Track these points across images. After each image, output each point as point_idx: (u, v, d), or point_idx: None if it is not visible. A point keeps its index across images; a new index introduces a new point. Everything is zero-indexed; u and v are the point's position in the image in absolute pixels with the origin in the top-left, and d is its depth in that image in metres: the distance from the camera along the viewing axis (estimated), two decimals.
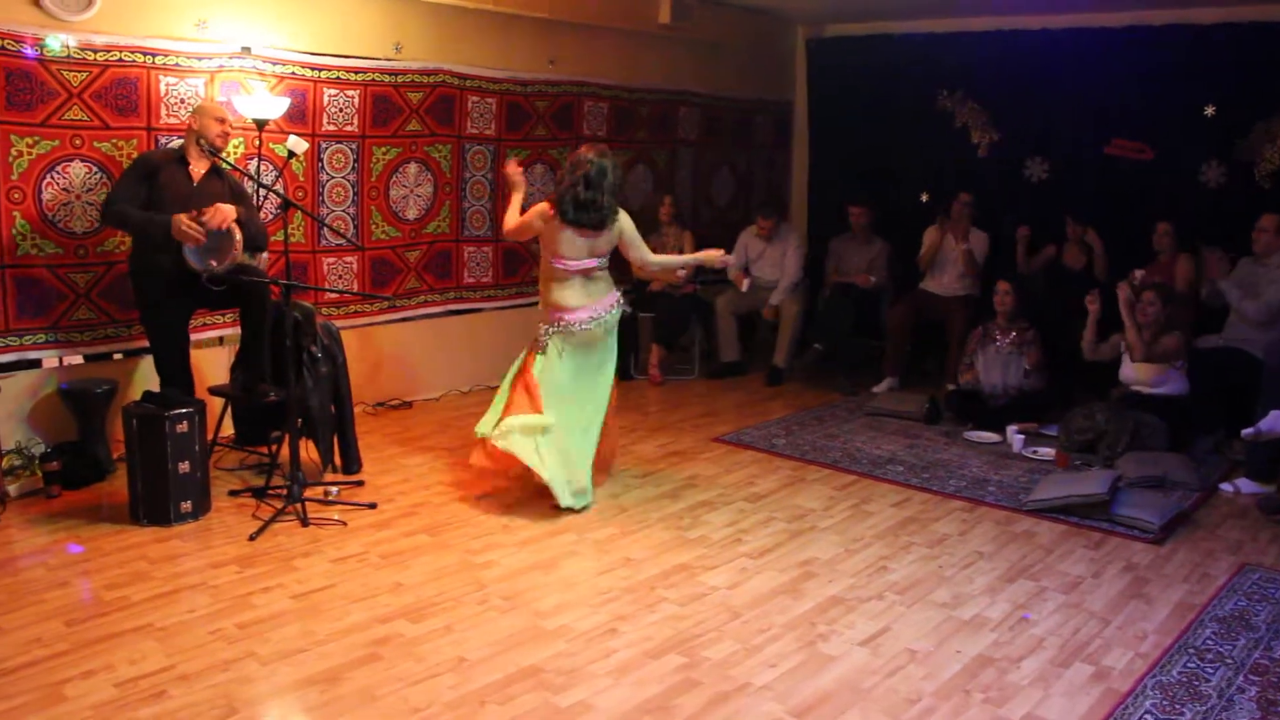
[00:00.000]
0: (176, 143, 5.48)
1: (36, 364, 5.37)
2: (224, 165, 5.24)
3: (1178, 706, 3.31)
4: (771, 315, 8.11)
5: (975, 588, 4.27)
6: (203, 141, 5.09)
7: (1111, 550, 4.71)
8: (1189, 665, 3.60)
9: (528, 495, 5.23)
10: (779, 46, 9.69)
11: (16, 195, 5.15)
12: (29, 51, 5.05)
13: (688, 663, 3.58)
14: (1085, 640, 3.80)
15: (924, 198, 8.66)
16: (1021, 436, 6.30)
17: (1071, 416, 6.25)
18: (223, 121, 5.16)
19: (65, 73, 5.20)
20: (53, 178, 5.26)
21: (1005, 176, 8.37)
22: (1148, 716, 3.25)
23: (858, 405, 7.39)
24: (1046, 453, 6.12)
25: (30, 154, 5.16)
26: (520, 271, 7.73)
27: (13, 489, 4.99)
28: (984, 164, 8.51)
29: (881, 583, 4.31)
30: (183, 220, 4.84)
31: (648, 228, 8.19)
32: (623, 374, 7.91)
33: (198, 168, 5.19)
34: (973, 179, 8.29)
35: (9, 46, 4.98)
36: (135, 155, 5.44)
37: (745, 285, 7.98)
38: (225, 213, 4.95)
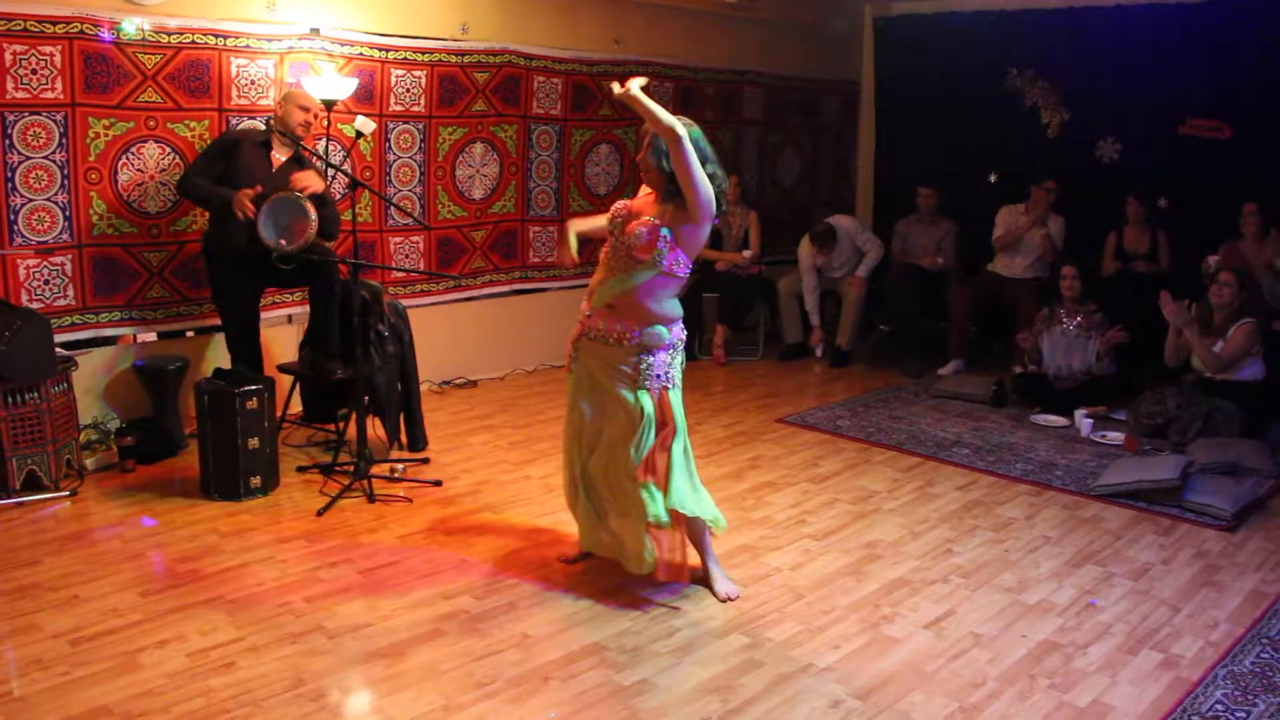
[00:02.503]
0: (249, 123, 5.56)
1: (112, 341, 5.50)
2: (309, 153, 5.29)
3: (1250, 697, 3.25)
4: (857, 287, 8.09)
5: (1041, 572, 4.21)
6: (273, 121, 5.16)
7: (1182, 537, 4.62)
8: (1263, 655, 3.53)
9: None
10: (846, 25, 9.57)
11: (94, 176, 5.26)
12: (105, 35, 5.15)
13: (750, 643, 3.58)
14: (1154, 627, 3.74)
15: (992, 178, 8.51)
16: (1090, 420, 6.20)
17: (1141, 401, 6.14)
18: (307, 110, 5.24)
19: (140, 55, 5.29)
20: (128, 159, 5.36)
21: (1076, 157, 8.19)
22: (1219, 707, 3.19)
23: (923, 387, 7.32)
24: (1115, 437, 6.01)
25: (107, 135, 5.27)
26: (584, 253, 7.72)
27: (90, 463, 5.12)
28: (1054, 144, 8.34)
29: (946, 566, 4.27)
30: (245, 194, 4.94)
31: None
32: (687, 354, 7.94)
33: (279, 153, 5.27)
34: (1042, 159, 8.15)
35: (87, 30, 5.08)
36: (207, 136, 5.54)
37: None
38: (313, 180, 5.07)
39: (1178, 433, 5.85)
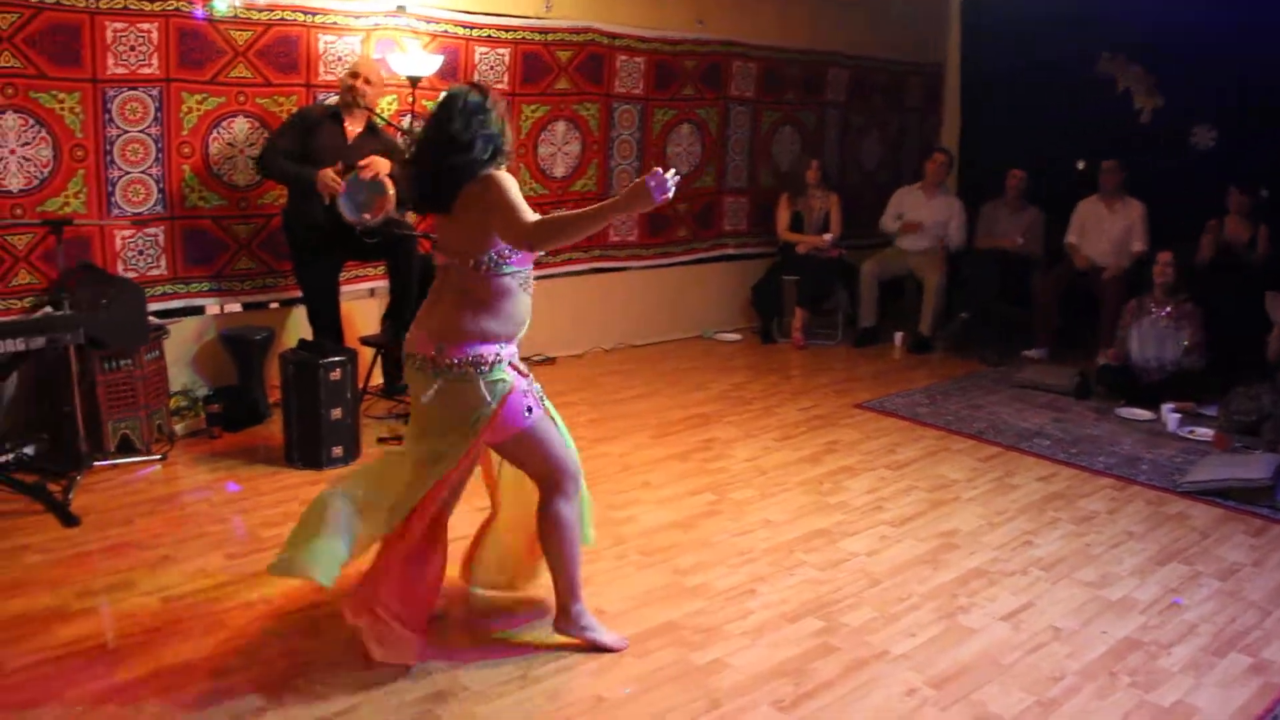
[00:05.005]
0: (334, 99, 5.63)
1: (200, 311, 5.62)
2: (379, 122, 5.37)
3: None
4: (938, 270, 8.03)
5: (1124, 568, 4.13)
6: (360, 99, 5.24)
7: (1274, 538, 4.49)
8: None
9: (667, 456, 5.27)
10: (932, 7, 9.41)
11: (186, 150, 5.37)
12: (199, 13, 5.24)
13: (825, 627, 3.56)
14: (1243, 630, 3.65)
15: (1080, 165, 8.33)
16: (1177, 415, 6.05)
17: (1233, 396, 5.98)
18: (356, 76, 5.32)
19: (231, 32, 5.38)
20: (218, 132, 5.46)
21: (1169, 144, 7.97)
22: None
23: (1004, 376, 7.20)
24: (1204, 433, 5.86)
25: (199, 110, 5.37)
26: (664, 232, 7.74)
27: (179, 428, 5.24)
28: (1146, 131, 8.14)
29: (1025, 558, 4.21)
30: (327, 174, 5.02)
31: (795, 190, 8.13)
32: (765, 337, 7.96)
33: (353, 126, 5.35)
34: (1133, 146, 7.95)
35: (181, 8, 5.18)
36: (293, 110, 5.62)
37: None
38: (379, 164, 5.09)
39: (1271, 431, 5.69)
